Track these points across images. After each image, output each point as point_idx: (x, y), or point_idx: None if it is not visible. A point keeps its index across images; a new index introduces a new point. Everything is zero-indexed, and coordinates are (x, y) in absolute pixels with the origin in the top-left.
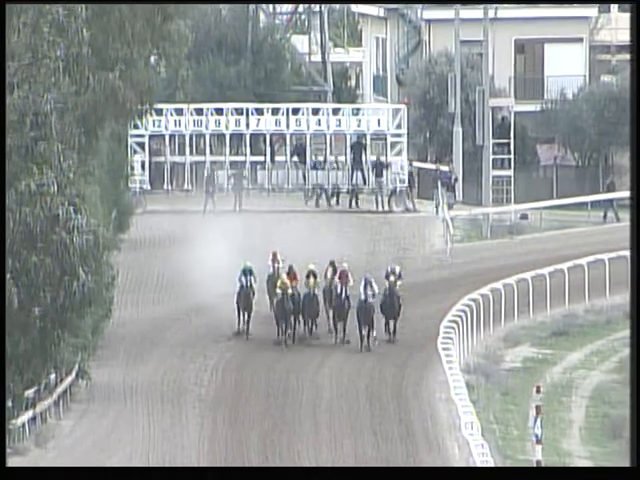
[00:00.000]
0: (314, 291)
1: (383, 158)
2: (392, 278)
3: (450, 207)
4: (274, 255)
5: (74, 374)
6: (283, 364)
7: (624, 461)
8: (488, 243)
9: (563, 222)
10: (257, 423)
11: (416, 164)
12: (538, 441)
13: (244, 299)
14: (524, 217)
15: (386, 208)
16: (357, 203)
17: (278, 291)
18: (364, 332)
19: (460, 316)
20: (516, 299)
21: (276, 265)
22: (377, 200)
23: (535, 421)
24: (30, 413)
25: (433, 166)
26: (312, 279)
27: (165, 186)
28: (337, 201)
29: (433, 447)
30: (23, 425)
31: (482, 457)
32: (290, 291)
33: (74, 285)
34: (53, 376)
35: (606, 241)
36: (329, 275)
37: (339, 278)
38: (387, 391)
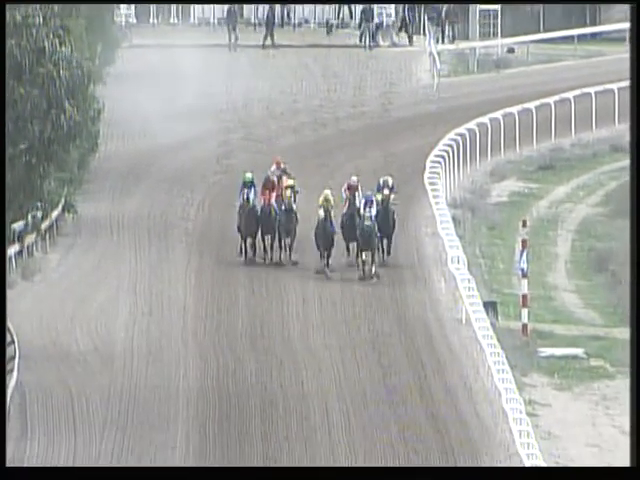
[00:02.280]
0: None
1: None
2: (386, 191)
3: (439, 41)
4: (277, 165)
5: (60, 208)
6: None
7: (609, 294)
8: (475, 77)
9: (550, 56)
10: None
11: None
12: (524, 275)
13: (246, 224)
14: (511, 51)
15: (372, 42)
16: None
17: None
18: (365, 257)
19: (447, 150)
20: (503, 133)
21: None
22: (363, 35)
23: (521, 255)
24: (16, 247)
25: None
26: (290, 192)
27: (151, 19)
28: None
29: (419, 281)
30: (9, 258)
31: (468, 291)
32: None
33: (61, 118)
34: (39, 210)
35: (593, 74)
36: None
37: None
38: None
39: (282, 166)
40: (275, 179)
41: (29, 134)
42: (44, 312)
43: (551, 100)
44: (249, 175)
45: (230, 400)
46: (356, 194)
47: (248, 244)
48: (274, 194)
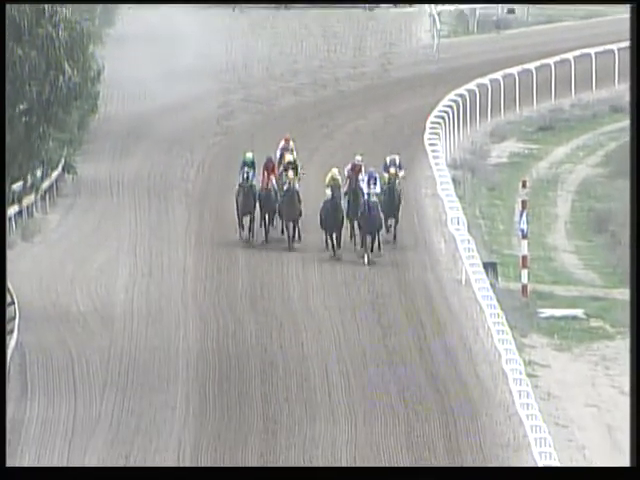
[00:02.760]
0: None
1: None
2: (392, 170)
3: None
4: (287, 141)
5: (60, 169)
6: None
7: (609, 254)
8: (475, 38)
9: (550, 16)
10: None
11: None
12: (524, 236)
13: (243, 202)
14: (511, 11)
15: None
16: None
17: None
18: (369, 240)
19: (447, 111)
20: (503, 94)
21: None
22: None
23: (521, 216)
24: (16, 207)
25: None
26: (291, 172)
27: None
28: None
29: (419, 242)
30: (9, 219)
31: (468, 252)
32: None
33: (60, 79)
34: (39, 171)
35: (593, 35)
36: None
37: (351, 171)
38: None
39: (291, 144)
40: (277, 156)
41: (28, 95)
42: (44, 273)
43: (551, 61)
44: (249, 155)
45: (230, 361)
46: (359, 175)
47: (245, 224)
48: (273, 176)
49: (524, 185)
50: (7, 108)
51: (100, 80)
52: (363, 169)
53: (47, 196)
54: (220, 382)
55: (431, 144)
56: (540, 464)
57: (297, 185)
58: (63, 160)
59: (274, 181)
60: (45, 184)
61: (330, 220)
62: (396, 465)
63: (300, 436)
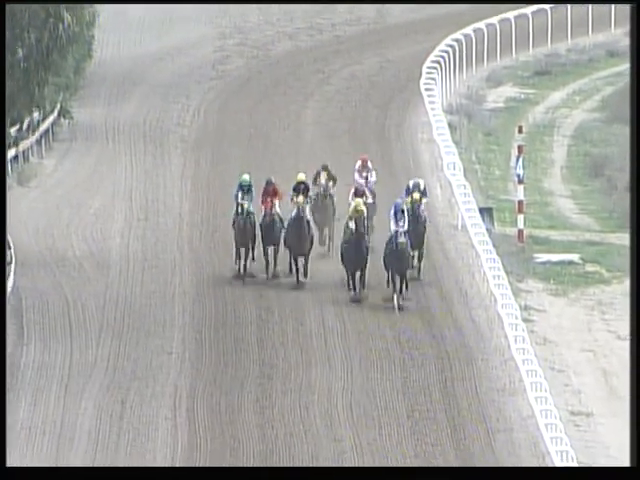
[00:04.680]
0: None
1: None
2: (416, 195)
3: None
4: (364, 162)
5: (56, 113)
6: (265, 105)
7: (605, 199)
8: None
9: None
10: (238, 163)
11: None
12: (520, 181)
13: (240, 234)
14: None
15: None
16: None
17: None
18: (397, 285)
19: (443, 57)
20: (499, 39)
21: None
22: None
23: (517, 161)
24: (12, 151)
25: None
26: (300, 196)
27: None
28: None
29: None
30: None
31: (464, 198)
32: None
33: (59, 28)
34: (36, 115)
35: None
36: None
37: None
38: (370, 132)
39: (369, 165)
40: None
41: (26, 42)
42: (40, 218)
43: (547, 5)
44: (246, 177)
45: (226, 306)
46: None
47: (244, 258)
48: (276, 200)
49: (520, 130)
50: (7, 55)
51: (95, 25)
52: (368, 193)
53: (43, 141)
54: (216, 327)
55: (427, 89)
56: (536, 409)
57: (307, 211)
58: (59, 105)
59: (277, 206)
60: (41, 128)
61: (354, 258)
62: (392, 411)
63: (296, 381)
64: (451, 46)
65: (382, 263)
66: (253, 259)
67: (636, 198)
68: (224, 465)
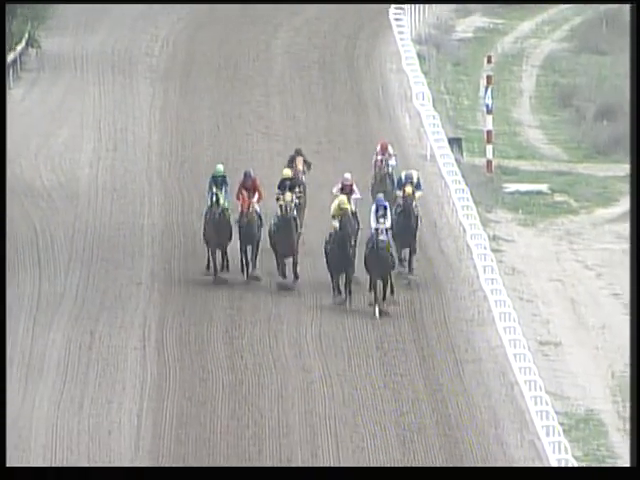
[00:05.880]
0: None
1: None
2: (408, 188)
3: None
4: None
5: (24, 43)
6: (234, 36)
7: (573, 129)
8: None
9: None
10: (207, 94)
11: None
12: (489, 111)
13: (211, 232)
14: None
15: None
16: None
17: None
18: (380, 290)
19: None
20: None
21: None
22: None
23: (486, 91)
24: None
25: None
26: (288, 193)
27: None
28: None
29: (384, 117)
30: None
31: (433, 128)
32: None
33: None
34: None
35: None
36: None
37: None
38: (339, 62)
39: (389, 150)
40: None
41: None
42: (8, 148)
43: None
44: (220, 168)
45: (195, 237)
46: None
47: (217, 258)
48: (256, 196)
49: (489, 60)
50: None
51: None
52: (355, 188)
53: (11, 71)
54: (185, 258)
55: (396, 19)
56: (504, 339)
57: (294, 211)
58: (27, 35)
59: (256, 205)
60: (8, 58)
61: (338, 259)
62: (361, 342)
63: (265, 312)
64: None
65: (363, 265)
66: (228, 266)
67: (636, 193)
68: (193, 396)
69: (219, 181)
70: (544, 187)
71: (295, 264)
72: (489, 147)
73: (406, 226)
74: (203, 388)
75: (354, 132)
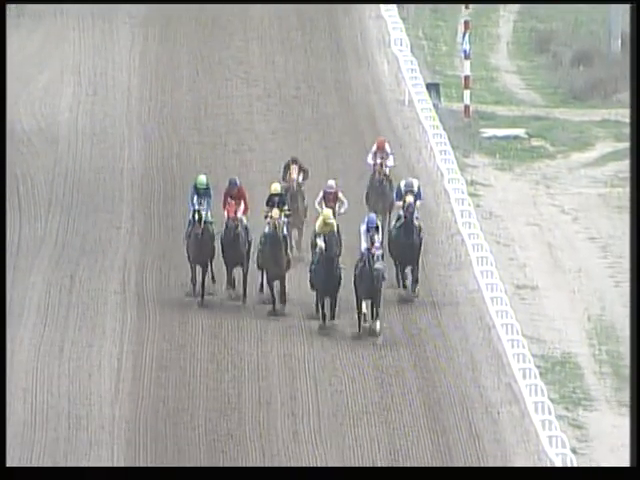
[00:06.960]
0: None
1: None
2: (409, 198)
3: None
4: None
5: None
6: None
7: (550, 74)
8: None
9: None
10: (186, 39)
11: None
12: (466, 57)
13: (196, 248)
14: None
15: None
16: None
17: (318, 241)
18: (368, 311)
19: None
20: None
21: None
22: None
23: (464, 37)
24: None
25: None
26: (275, 209)
27: None
28: None
29: (362, 63)
30: None
31: (411, 73)
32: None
33: None
34: None
35: None
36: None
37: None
38: (317, 9)
39: (387, 148)
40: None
41: None
42: None
43: None
44: (203, 179)
45: (174, 181)
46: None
47: (201, 276)
48: (242, 207)
49: (467, 6)
50: None
51: None
52: (341, 196)
53: None
54: (165, 202)
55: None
56: (482, 283)
57: (284, 228)
58: None
59: (241, 213)
60: None
61: (322, 280)
62: None
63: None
64: None
65: (353, 288)
66: (213, 279)
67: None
68: (173, 339)
69: (201, 193)
70: (521, 132)
71: (284, 290)
72: (467, 92)
73: (408, 244)
74: (183, 331)
75: (333, 77)
